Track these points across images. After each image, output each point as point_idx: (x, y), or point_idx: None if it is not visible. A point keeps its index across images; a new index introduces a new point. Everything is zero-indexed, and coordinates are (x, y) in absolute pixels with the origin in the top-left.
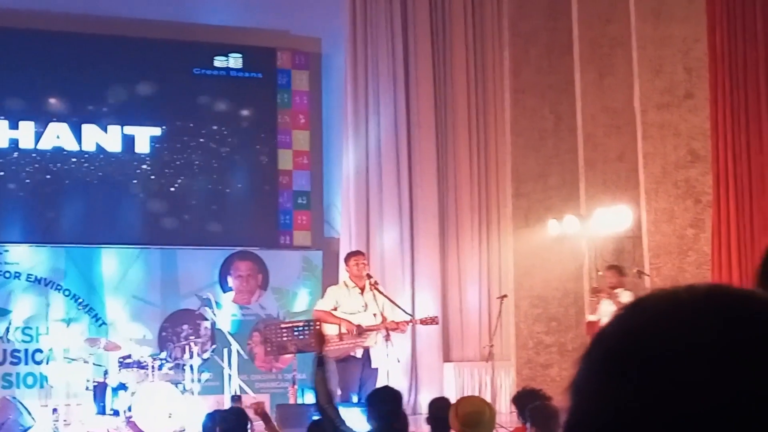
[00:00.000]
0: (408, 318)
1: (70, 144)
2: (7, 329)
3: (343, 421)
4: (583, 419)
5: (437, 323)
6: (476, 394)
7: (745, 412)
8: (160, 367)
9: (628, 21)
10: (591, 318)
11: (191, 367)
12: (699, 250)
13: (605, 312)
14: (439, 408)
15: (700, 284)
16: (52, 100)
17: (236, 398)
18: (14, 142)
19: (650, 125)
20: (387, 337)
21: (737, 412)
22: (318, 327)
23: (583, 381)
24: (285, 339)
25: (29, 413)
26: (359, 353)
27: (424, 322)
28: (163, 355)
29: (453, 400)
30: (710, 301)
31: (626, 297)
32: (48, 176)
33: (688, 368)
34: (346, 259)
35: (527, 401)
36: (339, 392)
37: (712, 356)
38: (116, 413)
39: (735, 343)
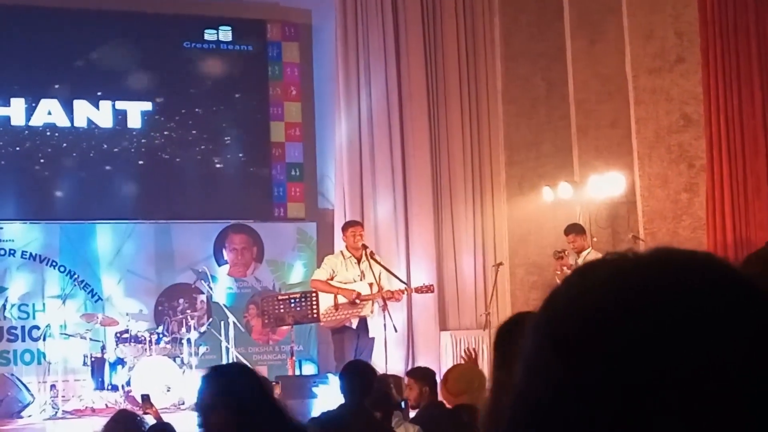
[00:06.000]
0: (404, 287)
1: (61, 120)
2: (3, 306)
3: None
4: (526, 389)
5: (433, 291)
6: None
7: (652, 383)
8: (158, 342)
9: None
10: None
11: (188, 340)
12: (693, 214)
13: None
14: (423, 376)
15: (641, 251)
16: (43, 77)
17: None
18: (5, 119)
19: (642, 90)
20: (384, 307)
21: (651, 385)
22: None
23: (528, 351)
24: (282, 311)
25: (27, 390)
26: (354, 323)
27: (419, 290)
28: (160, 329)
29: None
30: (643, 267)
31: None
32: (40, 153)
33: (606, 339)
34: (343, 229)
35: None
36: (335, 363)
37: (629, 326)
38: (115, 388)
39: (648, 311)
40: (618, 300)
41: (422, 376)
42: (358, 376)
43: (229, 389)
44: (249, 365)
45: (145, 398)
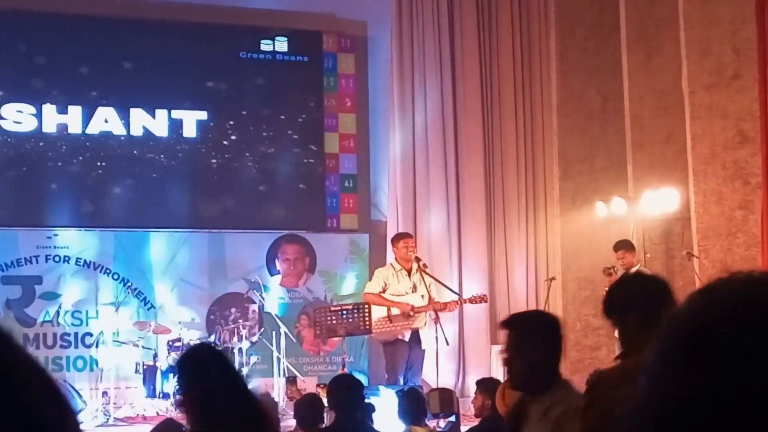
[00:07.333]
0: (456, 297)
1: (117, 128)
2: (57, 313)
3: None
4: (659, 406)
5: (486, 301)
6: None
7: None
8: None
9: (675, 1)
10: None
11: (240, 350)
12: (748, 231)
13: None
14: (488, 388)
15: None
16: (100, 85)
17: (291, 380)
18: (63, 127)
19: (698, 106)
20: (436, 320)
21: None
22: None
23: (659, 367)
24: (334, 322)
25: (79, 396)
26: (407, 336)
27: (472, 300)
28: (212, 338)
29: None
30: None
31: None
32: (96, 160)
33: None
34: (394, 241)
35: None
36: (386, 375)
37: None
38: (166, 396)
39: None
40: (736, 312)
41: (487, 387)
42: (348, 390)
43: (200, 374)
44: (218, 347)
45: None
